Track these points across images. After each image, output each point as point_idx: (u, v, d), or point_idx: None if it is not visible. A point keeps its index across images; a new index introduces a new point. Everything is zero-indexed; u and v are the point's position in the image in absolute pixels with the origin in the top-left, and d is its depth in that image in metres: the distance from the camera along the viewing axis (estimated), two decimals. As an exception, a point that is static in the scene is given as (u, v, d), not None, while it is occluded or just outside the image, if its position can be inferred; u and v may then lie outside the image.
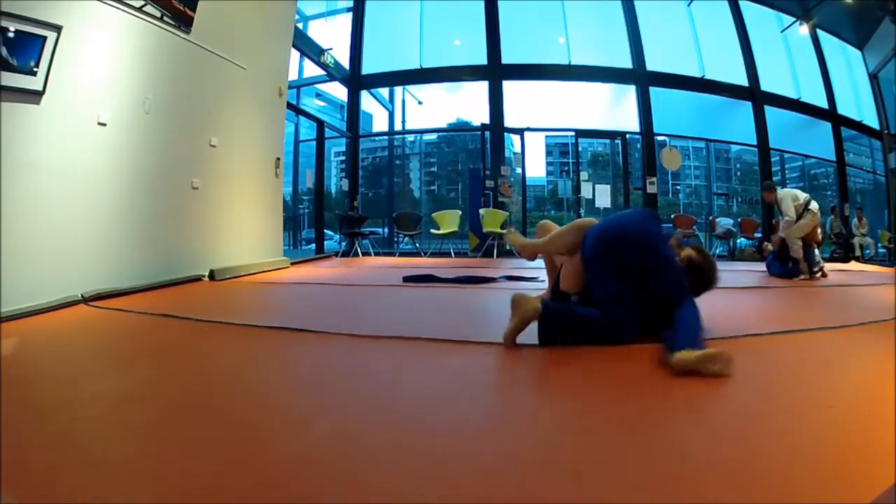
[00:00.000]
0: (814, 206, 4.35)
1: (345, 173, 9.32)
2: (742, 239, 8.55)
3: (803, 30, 9.27)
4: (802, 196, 4.44)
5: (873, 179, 11.06)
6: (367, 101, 9.56)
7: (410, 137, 10.82)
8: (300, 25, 8.18)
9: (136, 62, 3.20)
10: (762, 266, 4.85)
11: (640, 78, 8.58)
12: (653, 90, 8.56)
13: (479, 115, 8.53)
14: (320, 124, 7.57)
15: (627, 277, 1.67)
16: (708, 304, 2.13)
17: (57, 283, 2.57)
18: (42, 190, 2.57)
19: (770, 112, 9.00)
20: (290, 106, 5.82)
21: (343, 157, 10.35)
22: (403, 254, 7.76)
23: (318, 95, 9.98)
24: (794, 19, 9.31)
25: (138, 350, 1.80)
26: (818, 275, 4.32)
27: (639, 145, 8.77)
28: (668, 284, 1.67)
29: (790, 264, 4.35)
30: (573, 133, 8.64)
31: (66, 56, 2.66)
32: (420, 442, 0.98)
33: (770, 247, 5.03)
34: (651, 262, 1.67)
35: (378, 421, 1.09)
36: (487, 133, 8.16)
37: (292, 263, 5.05)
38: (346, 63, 8.73)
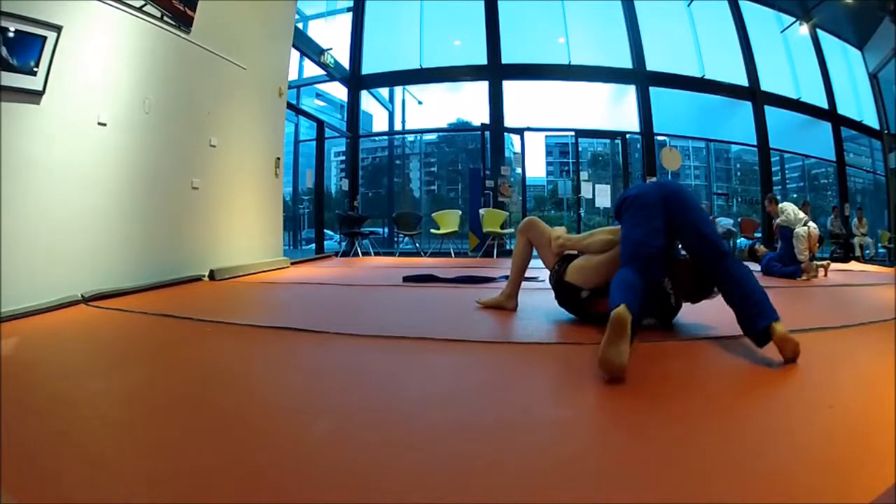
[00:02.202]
0: (811, 225, 4.47)
1: (345, 173, 9.32)
2: (742, 239, 8.56)
3: (803, 30, 9.28)
4: (802, 214, 4.54)
5: (873, 179, 11.07)
6: (367, 101, 9.56)
7: (410, 137, 10.82)
8: (300, 25, 8.18)
9: (136, 62, 3.20)
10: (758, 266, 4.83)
11: (640, 78, 8.59)
12: (653, 90, 8.57)
13: (479, 115, 8.54)
14: (320, 124, 7.58)
15: (669, 239, 1.70)
16: (708, 304, 2.13)
17: (57, 283, 2.56)
18: (42, 190, 2.57)
19: (770, 112, 9.00)
20: (290, 106, 5.81)
21: (343, 157, 10.35)
22: (403, 254, 7.76)
23: (318, 95, 9.98)
24: (794, 19, 9.32)
25: (138, 350, 1.79)
26: (819, 275, 4.35)
27: (639, 145, 8.77)
28: (714, 233, 1.71)
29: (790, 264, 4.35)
30: (573, 133, 8.64)
31: (66, 56, 2.66)
32: (420, 442, 0.98)
33: (763, 248, 4.98)
34: (699, 214, 1.72)
35: (378, 421, 1.09)
36: (487, 133, 8.17)
37: (292, 263, 5.05)
38: (346, 63, 8.73)
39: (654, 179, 8.14)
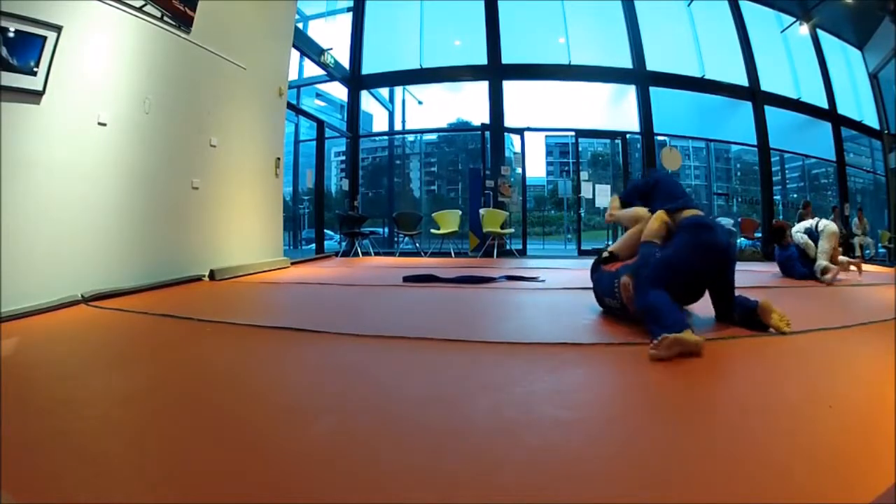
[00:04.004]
0: (822, 224, 4.18)
1: (345, 173, 9.32)
2: (742, 239, 8.55)
3: (803, 30, 9.27)
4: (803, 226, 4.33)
5: (873, 179, 11.06)
6: (367, 101, 9.55)
7: (410, 137, 10.81)
8: (300, 25, 8.17)
9: (136, 62, 3.20)
10: (762, 266, 4.78)
11: (640, 78, 8.57)
12: (653, 90, 8.55)
13: (479, 115, 8.52)
14: (320, 124, 7.57)
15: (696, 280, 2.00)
16: (709, 304, 2.13)
17: (57, 283, 2.56)
18: (42, 190, 2.57)
19: (770, 112, 8.99)
20: (290, 106, 5.81)
21: (343, 157, 10.35)
22: (403, 254, 7.76)
23: (318, 95, 9.97)
24: (794, 19, 9.31)
25: (138, 350, 1.80)
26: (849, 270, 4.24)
27: (639, 145, 8.76)
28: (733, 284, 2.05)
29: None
30: (573, 133, 8.63)
31: (66, 56, 2.66)
32: (420, 442, 0.98)
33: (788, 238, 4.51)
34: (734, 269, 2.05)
35: (378, 421, 1.09)
36: (487, 133, 8.16)
37: (292, 263, 5.05)
38: (346, 63, 8.73)
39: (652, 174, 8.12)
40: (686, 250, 1.94)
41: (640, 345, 1.72)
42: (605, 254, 2.34)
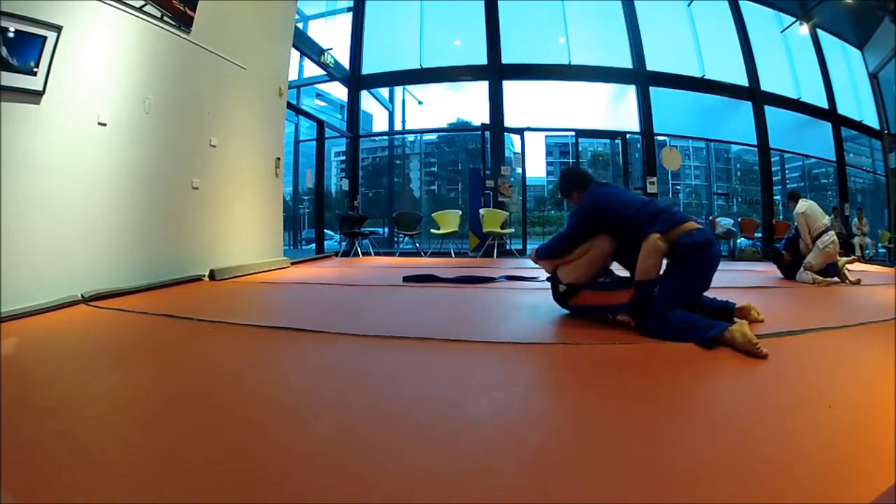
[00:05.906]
0: (826, 238, 4.05)
1: (345, 173, 9.32)
2: (742, 239, 8.54)
3: (803, 30, 9.27)
4: (821, 220, 4.19)
5: (873, 179, 11.07)
6: (367, 101, 9.55)
7: (410, 137, 10.81)
8: (300, 25, 8.18)
9: (136, 62, 3.20)
10: (762, 266, 4.77)
11: (640, 78, 8.58)
12: (653, 90, 8.56)
13: (480, 115, 8.53)
14: (320, 124, 7.57)
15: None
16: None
17: (57, 283, 2.56)
18: (42, 190, 2.57)
19: (770, 112, 9.00)
20: (290, 106, 5.81)
21: (343, 157, 10.35)
22: (403, 254, 7.76)
23: (318, 95, 9.97)
24: (794, 19, 9.31)
25: (138, 350, 1.79)
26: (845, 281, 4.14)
27: (639, 145, 8.76)
28: None
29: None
30: (573, 133, 8.63)
31: (66, 56, 2.66)
32: (420, 441, 0.98)
33: (788, 255, 4.42)
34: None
35: (379, 421, 1.09)
36: (487, 133, 8.16)
37: (292, 263, 5.05)
38: (346, 63, 8.73)
39: (652, 179, 8.13)
40: (697, 270, 1.96)
41: (640, 344, 1.72)
42: (562, 287, 2.20)
